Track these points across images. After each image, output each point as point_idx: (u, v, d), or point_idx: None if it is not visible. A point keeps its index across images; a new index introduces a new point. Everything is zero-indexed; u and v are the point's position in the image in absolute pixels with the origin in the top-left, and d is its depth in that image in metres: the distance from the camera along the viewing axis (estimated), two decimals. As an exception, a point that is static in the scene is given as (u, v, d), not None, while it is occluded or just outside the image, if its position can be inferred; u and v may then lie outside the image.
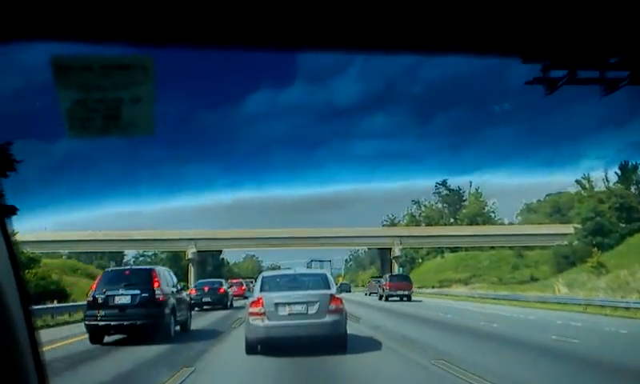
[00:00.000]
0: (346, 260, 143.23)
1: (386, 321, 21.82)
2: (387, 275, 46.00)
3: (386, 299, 38.71)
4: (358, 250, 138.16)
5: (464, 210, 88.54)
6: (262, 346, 11.82)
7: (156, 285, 15.78)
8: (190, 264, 65.35)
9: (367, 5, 1.17)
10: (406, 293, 39.05)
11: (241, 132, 61.66)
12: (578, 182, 77.61)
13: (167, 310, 15.76)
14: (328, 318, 11.69)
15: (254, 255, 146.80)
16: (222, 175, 69.02)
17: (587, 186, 78.17)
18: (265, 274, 14.18)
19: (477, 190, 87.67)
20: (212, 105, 64.20)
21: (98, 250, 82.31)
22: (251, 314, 11.87)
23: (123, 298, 15.57)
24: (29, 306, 1.44)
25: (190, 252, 64.49)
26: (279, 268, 73.42)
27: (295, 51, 1.29)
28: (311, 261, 72.43)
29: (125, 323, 15.35)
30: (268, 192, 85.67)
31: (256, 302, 11.93)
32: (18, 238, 1.69)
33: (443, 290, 55.53)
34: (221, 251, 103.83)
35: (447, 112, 76.16)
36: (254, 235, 63.95)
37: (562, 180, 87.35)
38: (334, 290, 12.49)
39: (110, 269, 20.27)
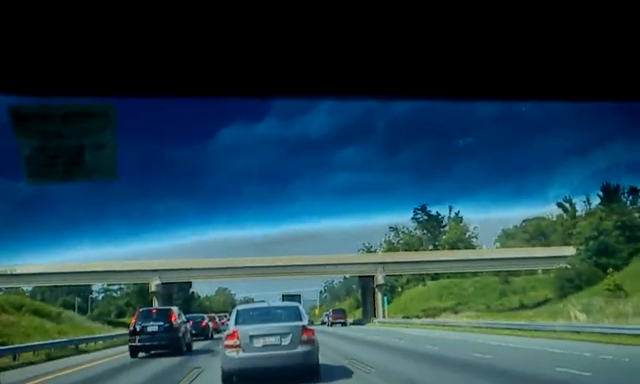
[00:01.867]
0: (321, 291, 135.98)
1: (419, 371, 14.52)
2: (331, 310, 60.16)
3: (331, 325, 50.96)
4: (334, 281, 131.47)
5: (444, 236, 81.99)
6: (238, 376, 11.89)
7: (173, 319, 21.97)
8: (155, 298, 56.99)
9: (350, 53, 1.16)
10: (342, 321, 53.08)
11: (212, 168, 60.00)
12: (559, 205, 73.15)
13: (180, 335, 22.02)
14: (300, 349, 11.72)
15: (226, 288, 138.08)
16: (192, 211, 65.77)
17: (569, 208, 73.71)
18: (239, 307, 14.39)
19: (457, 214, 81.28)
20: (182, 141, 61.84)
21: (60, 284, 73.43)
22: (227, 346, 11.91)
23: (153, 327, 21.44)
24: None
25: (154, 284, 56.15)
26: (253, 301, 73.32)
27: (263, 99, 1.33)
28: (282, 295, 68.52)
29: (154, 343, 21.38)
30: (240, 227, 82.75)
31: (231, 335, 11.95)
32: None
33: (438, 319, 48.19)
34: (190, 284, 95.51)
35: (416, 145, 74.84)
36: (225, 265, 55.88)
37: (529, 210, 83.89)
38: (305, 322, 12.47)
39: (142, 309, 25.45)
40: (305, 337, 11.78)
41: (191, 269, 55.88)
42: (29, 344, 25.63)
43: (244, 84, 1.16)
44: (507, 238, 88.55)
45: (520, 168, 63.17)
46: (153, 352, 21.46)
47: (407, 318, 54.47)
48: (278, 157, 62.29)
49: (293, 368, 11.68)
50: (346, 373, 13.50)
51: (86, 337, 30.63)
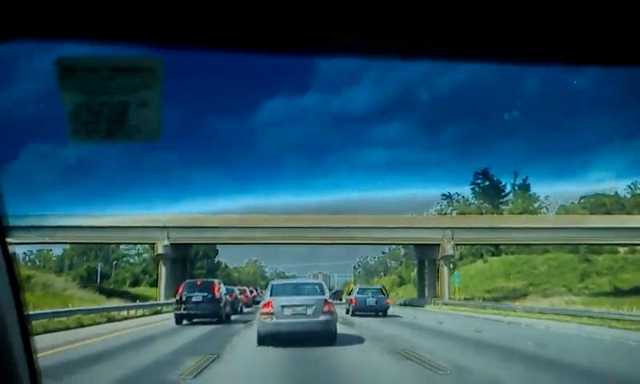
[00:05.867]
0: (354, 267, 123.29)
1: None
2: (332, 292, 67.91)
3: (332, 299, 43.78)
4: (367, 257, 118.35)
5: (506, 207, 67.20)
6: (271, 338, 13.34)
7: (215, 290, 23.11)
8: (161, 262, 43.83)
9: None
10: (340, 298, 50.43)
11: (252, 138, 61.01)
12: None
13: (221, 305, 23.12)
14: (322, 318, 13.56)
15: (257, 260, 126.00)
16: (231, 181, 65.15)
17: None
18: (273, 282, 16.36)
19: (524, 181, 66.20)
20: (224, 111, 62.04)
21: (69, 242, 62.11)
22: (262, 313, 13.80)
23: (197, 297, 22.57)
24: (24, 311, 1.40)
25: (161, 245, 42.90)
26: (285, 276, 79.58)
27: (311, 55, 1.20)
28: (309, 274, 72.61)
29: (198, 312, 22.44)
30: (277, 198, 77.70)
31: (266, 304, 13.85)
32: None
33: (554, 305, 33.62)
34: (217, 251, 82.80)
35: (457, 121, 70.97)
36: (248, 223, 42.38)
37: (570, 190, 70.26)
38: (327, 296, 14.32)
39: (188, 280, 26.11)
40: (326, 308, 13.67)
41: (207, 226, 42.37)
42: None
43: (297, 37, 1.07)
44: (567, 213, 73.77)
45: (561, 151, 59.24)
46: (195, 320, 22.20)
47: (471, 298, 40.43)
48: (318, 130, 60.95)
49: (315, 333, 13.33)
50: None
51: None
